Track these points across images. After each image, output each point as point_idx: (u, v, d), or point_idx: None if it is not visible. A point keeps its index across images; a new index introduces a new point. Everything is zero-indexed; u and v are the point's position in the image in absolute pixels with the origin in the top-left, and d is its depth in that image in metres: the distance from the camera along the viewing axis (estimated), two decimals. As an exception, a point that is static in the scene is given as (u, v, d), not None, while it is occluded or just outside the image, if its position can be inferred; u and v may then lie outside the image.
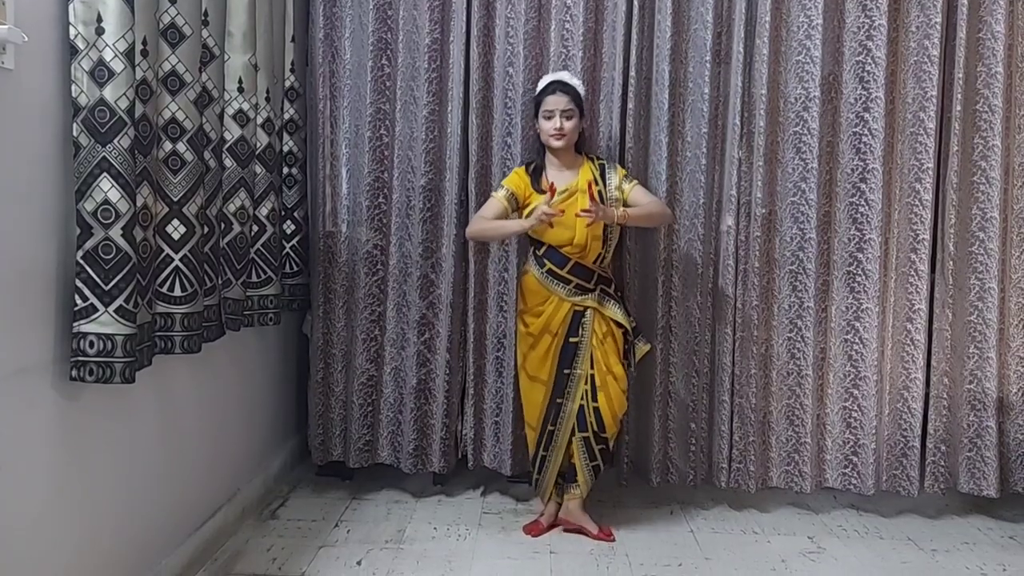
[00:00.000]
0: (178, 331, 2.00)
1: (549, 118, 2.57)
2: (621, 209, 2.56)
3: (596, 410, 2.61)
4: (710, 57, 2.82)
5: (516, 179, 2.66)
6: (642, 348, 2.72)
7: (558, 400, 2.64)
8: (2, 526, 1.55)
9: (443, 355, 2.91)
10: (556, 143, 2.58)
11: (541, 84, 2.67)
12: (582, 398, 2.62)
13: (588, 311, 2.60)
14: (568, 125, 2.56)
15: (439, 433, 2.92)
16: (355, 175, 2.95)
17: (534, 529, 2.68)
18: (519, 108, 2.85)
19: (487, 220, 2.62)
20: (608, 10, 2.87)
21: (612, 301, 2.64)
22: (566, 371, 2.62)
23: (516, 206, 2.64)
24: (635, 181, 2.69)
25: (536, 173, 2.66)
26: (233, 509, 2.62)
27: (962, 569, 2.51)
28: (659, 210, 2.66)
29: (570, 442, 2.66)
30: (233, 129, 2.35)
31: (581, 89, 2.65)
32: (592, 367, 2.61)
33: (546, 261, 2.60)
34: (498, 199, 2.64)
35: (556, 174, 2.63)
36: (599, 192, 2.58)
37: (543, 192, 2.54)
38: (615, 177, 2.66)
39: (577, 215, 2.49)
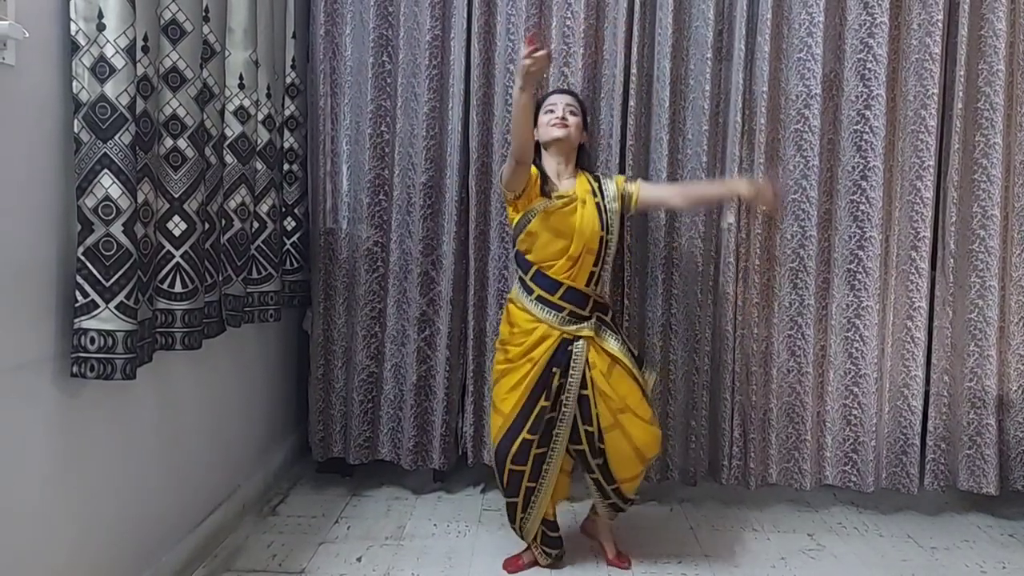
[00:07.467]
0: (179, 327, 2.00)
1: (551, 111, 2.34)
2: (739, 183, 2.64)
3: (602, 452, 2.29)
4: (711, 54, 2.82)
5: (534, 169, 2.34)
6: (648, 379, 2.40)
7: (539, 451, 2.29)
8: (1, 521, 1.55)
9: (443, 352, 2.91)
10: (557, 132, 2.31)
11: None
12: (584, 442, 2.30)
13: (579, 342, 2.27)
14: (572, 119, 2.33)
15: (439, 430, 2.92)
16: (356, 172, 2.96)
17: (513, 564, 2.43)
18: (520, 105, 2.84)
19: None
20: (609, 7, 2.86)
21: (609, 332, 2.33)
22: (544, 405, 2.26)
23: (525, 183, 2.28)
24: (637, 180, 2.54)
25: (543, 175, 2.34)
26: (233, 506, 2.62)
27: (962, 567, 2.51)
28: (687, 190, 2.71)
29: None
30: (234, 125, 2.35)
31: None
32: (594, 406, 2.27)
33: (535, 287, 2.30)
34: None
35: (553, 182, 2.35)
36: (597, 204, 2.33)
37: (546, 194, 2.29)
38: (612, 187, 2.39)
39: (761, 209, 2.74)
